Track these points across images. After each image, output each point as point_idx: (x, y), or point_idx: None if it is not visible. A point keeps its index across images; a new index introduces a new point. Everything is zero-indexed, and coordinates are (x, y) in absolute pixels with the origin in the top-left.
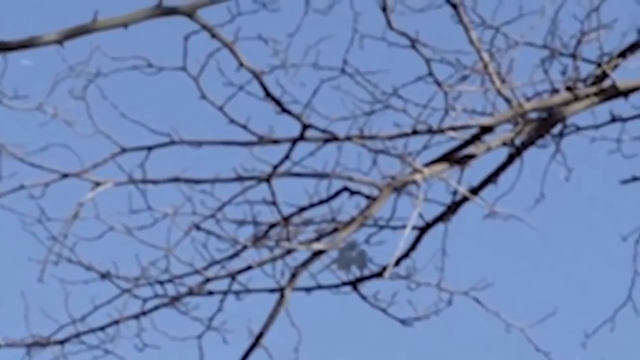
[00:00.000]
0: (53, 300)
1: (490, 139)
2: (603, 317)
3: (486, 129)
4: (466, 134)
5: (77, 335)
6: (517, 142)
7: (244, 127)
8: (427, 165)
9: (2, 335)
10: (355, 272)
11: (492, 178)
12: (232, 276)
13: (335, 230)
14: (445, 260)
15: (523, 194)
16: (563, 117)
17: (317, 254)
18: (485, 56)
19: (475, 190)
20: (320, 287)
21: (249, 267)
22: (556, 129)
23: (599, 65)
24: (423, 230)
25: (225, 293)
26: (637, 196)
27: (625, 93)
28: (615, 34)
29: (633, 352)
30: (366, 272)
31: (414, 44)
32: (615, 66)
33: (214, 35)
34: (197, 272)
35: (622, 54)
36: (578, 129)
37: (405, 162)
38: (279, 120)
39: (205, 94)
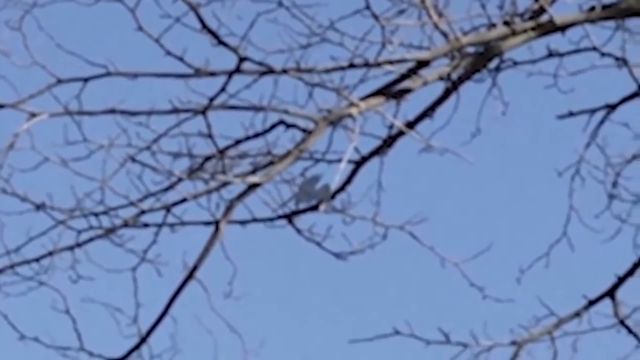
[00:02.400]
0: None
1: (426, 73)
2: (538, 253)
3: (423, 63)
4: (403, 68)
5: (12, 266)
6: (454, 76)
7: (180, 59)
8: (364, 98)
9: None
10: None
11: (428, 112)
12: (167, 208)
13: (271, 163)
14: (380, 194)
15: (459, 128)
16: (500, 52)
17: (253, 186)
18: None
19: (411, 124)
20: (255, 220)
21: (184, 200)
22: (493, 64)
23: (537, 0)
24: (359, 164)
25: (160, 225)
26: (573, 131)
27: (562, 28)
28: None
29: (567, 287)
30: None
31: None
32: (553, 1)
33: None
34: (132, 204)
35: None
36: (515, 63)
37: (342, 95)
38: (215, 52)
39: (141, 26)
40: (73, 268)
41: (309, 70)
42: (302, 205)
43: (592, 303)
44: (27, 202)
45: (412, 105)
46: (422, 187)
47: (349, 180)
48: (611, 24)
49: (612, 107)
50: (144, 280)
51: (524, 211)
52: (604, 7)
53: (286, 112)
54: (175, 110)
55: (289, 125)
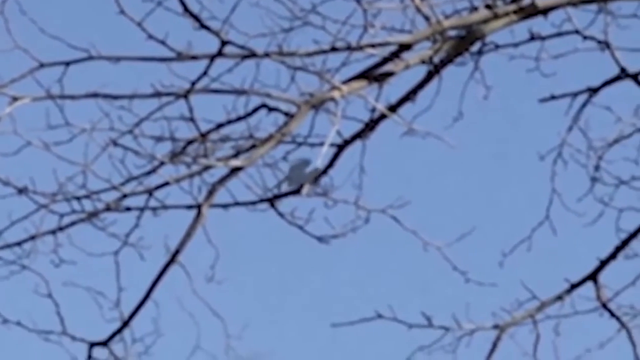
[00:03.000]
0: None
1: (408, 56)
2: (520, 237)
3: (405, 47)
4: (385, 52)
5: None
6: (436, 59)
7: (163, 42)
8: (346, 82)
9: None
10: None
11: (410, 95)
12: (150, 192)
13: (253, 147)
14: (363, 177)
15: (441, 112)
16: (482, 35)
17: (235, 170)
18: None
19: (393, 108)
20: (237, 203)
21: (166, 184)
22: (475, 47)
23: None
24: (341, 147)
25: (142, 209)
26: (555, 115)
27: (545, 11)
28: None
29: (550, 271)
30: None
31: None
32: None
33: None
34: (114, 188)
35: None
36: (497, 47)
37: (324, 79)
38: (198, 36)
39: (123, 9)
40: (55, 252)
41: (291, 54)
42: (292, 189)
43: (574, 286)
44: (9, 186)
45: (394, 89)
46: (405, 170)
47: (331, 163)
48: (593, 7)
49: (594, 91)
50: (126, 264)
51: (506, 195)
52: None
53: (268, 95)
54: (158, 94)
55: (271, 109)
